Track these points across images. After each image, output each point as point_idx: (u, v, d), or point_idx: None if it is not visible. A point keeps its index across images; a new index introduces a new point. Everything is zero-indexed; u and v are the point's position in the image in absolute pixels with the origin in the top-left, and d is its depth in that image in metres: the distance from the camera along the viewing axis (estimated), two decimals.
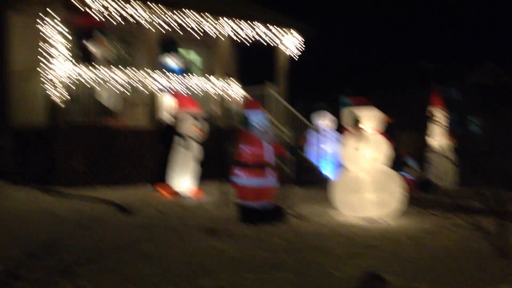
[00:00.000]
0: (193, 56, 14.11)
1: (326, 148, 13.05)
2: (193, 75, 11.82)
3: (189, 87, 11.60)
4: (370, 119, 7.70)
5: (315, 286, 4.54)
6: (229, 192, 8.82)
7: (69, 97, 9.95)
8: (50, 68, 9.83)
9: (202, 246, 5.79)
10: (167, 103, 11.46)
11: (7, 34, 10.87)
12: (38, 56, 9.98)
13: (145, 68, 11.09)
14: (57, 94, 9.82)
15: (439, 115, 12.90)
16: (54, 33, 9.84)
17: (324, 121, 13.39)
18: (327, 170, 12.96)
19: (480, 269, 5.12)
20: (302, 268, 5.02)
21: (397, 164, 9.92)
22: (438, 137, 12.51)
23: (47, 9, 9.81)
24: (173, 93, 10.73)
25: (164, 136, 9.48)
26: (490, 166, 13.71)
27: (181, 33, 11.59)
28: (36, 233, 6.10)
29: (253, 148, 7.17)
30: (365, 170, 7.68)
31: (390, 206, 7.61)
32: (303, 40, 13.70)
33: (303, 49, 13.69)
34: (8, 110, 10.85)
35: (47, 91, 9.90)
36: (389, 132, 8.21)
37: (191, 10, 11.22)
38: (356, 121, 7.56)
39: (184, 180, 9.20)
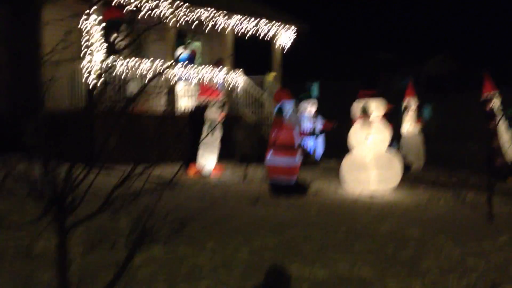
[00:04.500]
0: (198, 46, 15.36)
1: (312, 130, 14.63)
2: (199, 65, 13.08)
3: (198, 76, 12.87)
4: (377, 109, 9.30)
5: (362, 237, 6.05)
6: (248, 171, 10.34)
7: (99, 84, 11.07)
8: (84, 58, 10.92)
9: (258, 211, 7.18)
10: (183, 90, 12.75)
11: (42, 25, 11.83)
12: (72, 46, 11.02)
13: (163, 59, 12.29)
14: (90, 82, 10.93)
15: (413, 103, 14.73)
16: (87, 25, 10.92)
17: (310, 107, 15.05)
18: (314, 151, 14.56)
19: (470, 227, 6.80)
20: (343, 227, 6.37)
21: None
22: (411, 123, 14.29)
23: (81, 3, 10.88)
24: (200, 83, 12.02)
25: (191, 121, 10.79)
26: (442, 149, 15.75)
27: (192, 27, 12.84)
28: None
29: (285, 132, 8.64)
30: (371, 152, 9.30)
31: (392, 181, 9.29)
32: (297, 33, 15.23)
33: (297, 41, 15.24)
34: (41, 95, 11.84)
35: (80, 79, 11.00)
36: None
37: (208, 7, 12.51)
38: (365, 111, 9.13)
39: (210, 160, 10.58)
